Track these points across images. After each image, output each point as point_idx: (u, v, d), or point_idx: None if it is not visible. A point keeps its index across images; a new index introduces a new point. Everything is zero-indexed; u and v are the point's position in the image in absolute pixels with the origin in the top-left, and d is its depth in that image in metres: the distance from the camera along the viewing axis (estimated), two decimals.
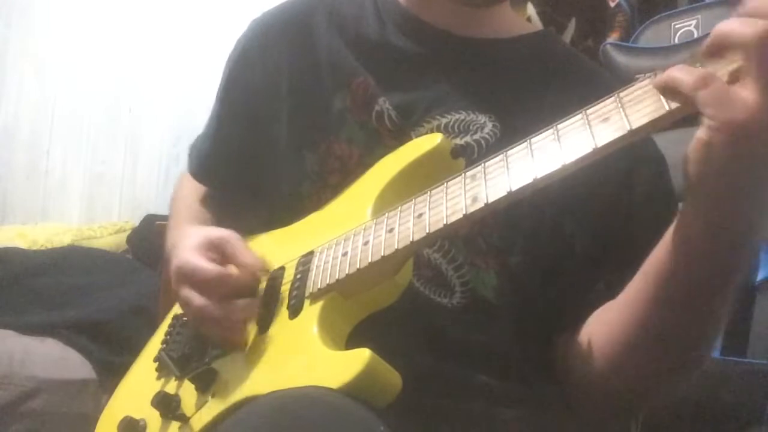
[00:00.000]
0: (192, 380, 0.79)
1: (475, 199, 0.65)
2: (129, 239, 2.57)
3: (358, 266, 0.72)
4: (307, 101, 0.92)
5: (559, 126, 0.63)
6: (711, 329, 0.74)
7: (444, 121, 0.87)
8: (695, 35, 1.48)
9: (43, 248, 2.43)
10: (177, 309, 0.96)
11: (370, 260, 0.71)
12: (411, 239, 0.69)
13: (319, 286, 0.75)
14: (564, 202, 0.81)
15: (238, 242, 0.84)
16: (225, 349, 0.81)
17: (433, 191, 0.71)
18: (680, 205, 0.65)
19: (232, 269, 0.81)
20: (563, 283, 0.83)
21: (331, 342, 0.70)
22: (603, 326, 0.79)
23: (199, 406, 0.78)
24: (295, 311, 0.76)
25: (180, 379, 0.85)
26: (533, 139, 0.64)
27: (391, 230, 0.71)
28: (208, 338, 0.84)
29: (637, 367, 0.77)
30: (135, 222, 2.67)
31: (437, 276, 0.82)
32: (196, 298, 0.79)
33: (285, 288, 0.80)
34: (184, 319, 0.92)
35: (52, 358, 1.84)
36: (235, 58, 1.01)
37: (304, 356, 0.71)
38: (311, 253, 0.80)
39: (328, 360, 0.68)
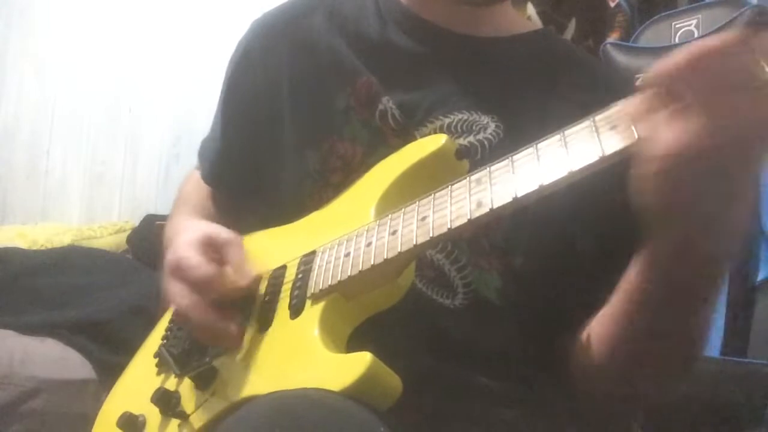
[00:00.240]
0: (192, 378, 0.79)
1: (479, 204, 0.65)
2: (129, 239, 2.57)
3: (360, 268, 0.72)
4: (309, 100, 0.92)
5: (567, 132, 0.62)
6: (691, 337, 0.75)
7: (447, 121, 0.87)
8: (695, 35, 1.48)
9: (43, 248, 2.43)
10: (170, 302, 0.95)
11: (372, 262, 0.71)
12: (414, 242, 0.68)
13: (321, 287, 0.75)
14: (569, 205, 0.80)
15: (238, 248, 0.82)
16: (222, 349, 0.81)
17: (438, 194, 0.70)
18: None
19: (229, 272, 0.81)
20: (567, 285, 0.83)
21: (332, 344, 0.70)
22: (596, 331, 0.80)
23: (199, 404, 0.78)
24: (296, 311, 0.76)
25: (180, 376, 0.84)
26: (540, 145, 0.64)
27: (394, 232, 0.71)
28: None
29: (624, 369, 0.78)
30: (135, 222, 2.66)
31: (440, 277, 0.82)
32: (184, 296, 0.78)
33: (286, 287, 0.80)
34: (175, 313, 0.91)
35: (52, 358, 1.84)
36: (236, 60, 1.01)
37: (305, 358, 0.71)
38: (313, 252, 0.80)
39: (329, 363, 0.68)
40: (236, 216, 1.00)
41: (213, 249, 0.82)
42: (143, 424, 0.84)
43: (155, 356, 0.92)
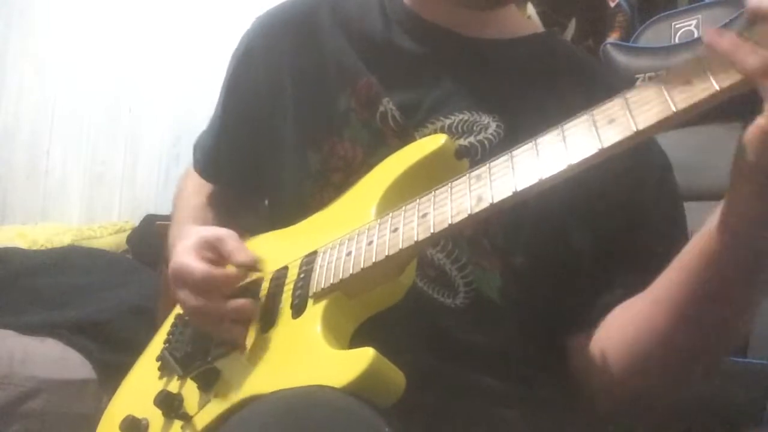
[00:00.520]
0: (194, 379, 0.79)
1: (480, 199, 0.65)
2: (129, 239, 2.57)
3: (362, 266, 0.72)
4: (311, 100, 0.92)
5: (565, 126, 0.63)
6: (744, 322, 0.74)
7: (448, 122, 0.87)
8: (695, 35, 1.48)
9: (43, 248, 2.43)
10: (179, 308, 0.96)
11: (374, 260, 0.71)
12: (415, 239, 0.69)
13: (322, 286, 0.75)
14: (570, 204, 0.81)
15: (233, 240, 0.84)
16: (227, 347, 0.81)
17: (438, 191, 0.71)
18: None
19: (230, 268, 0.81)
20: (568, 285, 0.83)
21: (335, 341, 0.70)
22: (625, 327, 0.78)
23: (202, 406, 0.78)
24: (298, 311, 0.76)
25: (182, 378, 0.85)
26: (539, 140, 0.64)
27: (395, 230, 0.71)
28: (210, 337, 0.84)
29: (665, 364, 0.76)
30: (135, 222, 2.67)
31: (441, 276, 0.82)
32: (191, 299, 0.80)
33: (288, 287, 0.80)
34: (186, 318, 0.92)
35: (52, 358, 1.84)
36: (238, 56, 1.01)
37: (308, 355, 0.71)
38: (315, 252, 0.80)
39: (332, 359, 0.68)
40: (238, 217, 1.00)
41: (209, 249, 0.83)
42: (146, 427, 0.84)
43: (158, 359, 0.92)
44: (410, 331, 0.79)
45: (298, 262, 0.81)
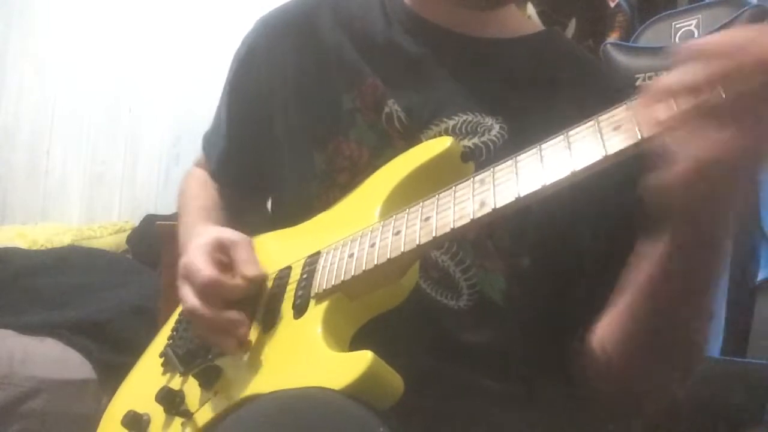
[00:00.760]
0: (196, 376, 0.79)
1: (483, 204, 0.65)
2: (129, 239, 2.57)
3: (364, 268, 0.72)
4: (314, 99, 0.92)
5: (570, 132, 0.63)
6: (697, 329, 0.77)
7: (451, 123, 0.87)
8: (696, 35, 1.48)
9: (43, 248, 2.43)
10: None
11: (376, 262, 0.71)
12: (417, 242, 0.69)
13: (324, 287, 0.75)
14: (574, 206, 0.80)
15: (245, 250, 0.83)
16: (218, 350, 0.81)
17: (441, 195, 0.70)
18: None
19: (236, 276, 0.81)
20: (571, 287, 0.83)
21: (335, 343, 0.70)
22: (607, 332, 0.80)
23: (203, 403, 0.78)
24: (299, 311, 0.76)
25: (184, 375, 0.85)
26: (543, 145, 0.64)
27: (398, 233, 0.71)
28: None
29: (635, 367, 0.78)
30: (135, 222, 2.67)
31: (444, 278, 0.82)
32: (191, 298, 0.80)
33: (291, 287, 0.80)
34: (185, 315, 0.92)
35: (52, 358, 1.84)
36: (240, 57, 1.01)
37: (307, 356, 0.71)
38: (318, 253, 0.80)
39: (331, 361, 0.68)
40: (244, 217, 1.00)
41: (222, 251, 0.83)
42: (147, 422, 0.84)
43: (161, 356, 0.92)
44: (413, 332, 0.79)
45: (302, 262, 0.82)
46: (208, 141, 1.08)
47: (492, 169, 0.67)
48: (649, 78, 1.47)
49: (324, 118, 0.91)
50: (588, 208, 0.81)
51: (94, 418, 0.98)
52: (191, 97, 2.71)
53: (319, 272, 0.77)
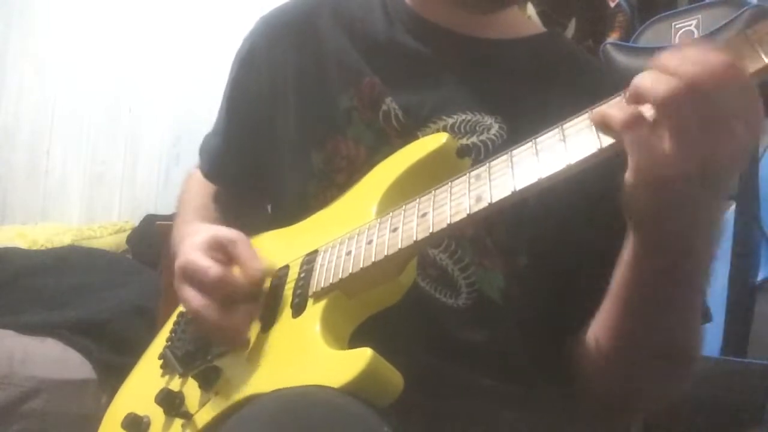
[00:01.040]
0: (195, 378, 0.79)
1: (479, 199, 0.65)
2: (129, 239, 2.58)
3: (361, 265, 0.72)
4: (313, 99, 0.92)
5: (565, 126, 0.63)
6: (683, 333, 0.77)
7: (450, 121, 0.87)
8: (695, 35, 1.48)
9: (43, 248, 2.43)
10: (182, 306, 0.96)
11: (373, 259, 0.71)
12: (414, 239, 0.69)
13: (322, 285, 0.75)
14: (571, 203, 0.81)
15: (245, 245, 0.83)
16: (226, 349, 0.81)
17: (438, 191, 0.71)
18: None
19: (236, 272, 0.81)
20: (571, 284, 0.83)
21: (334, 341, 0.70)
22: (594, 332, 0.80)
23: (202, 404, 0.78)
24: (298, 310, 0.76)
25: (183, 376, 0.85)
26: (538, 139, 0.64)
27: (395, 230, 0.71)
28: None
29: (622, 369, 0.78)
30: (135, 222, 2.67)
31: (443, 276, 0.82)
32: (196, 299, 0.79)
33: (289, 286, 0.80)
34: (189, 316, 0.92)
35: (52, 358, 1.84)
36: (241, 57, 1.01)
37: (307, 355, 0.71)
38: (315, 251, 0.80)
39: (330, 359, 0.68)
40: (242, 216, 1.00)
41: (219, 249, 0.82)
42: (148, 425, 0.84)
43: (159, 358, 0.92)
44: (411, 330, 0.79)
45: (300, 261, 0.81)
46: (205, 141, 1.09)
47: (488, 164, 0.67)
48: None
49: (322, 118, 0.91)
50: (582, 202, 0.81)
51: (94, 418, 0.98)
52: (191, 97, 2.71)
53: (317, 270, 0.77)
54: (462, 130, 0.86)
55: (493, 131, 0.85)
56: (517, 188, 0.63)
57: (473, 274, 0.82)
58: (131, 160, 2.89)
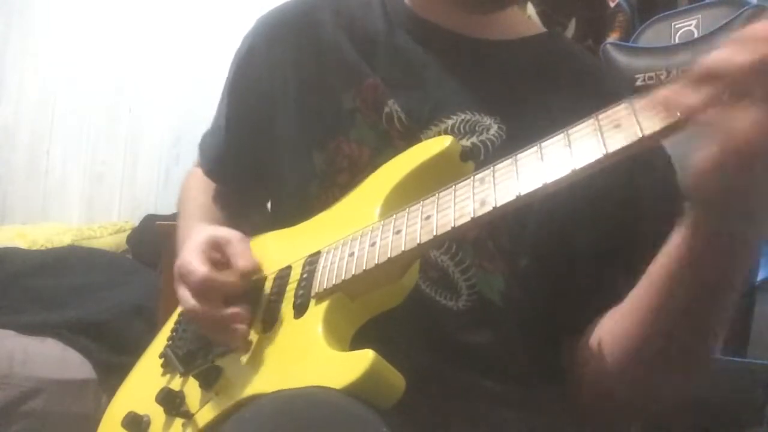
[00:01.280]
0: (196, 377, 0.80)
1: (483, 203, 0.65)
2: (129, 239, 2.58)
3: (364, 267, 0.72)
4: (315, 99, 0.92)
5: (570, 131, 0.62)
6: (714, 333, 0.75)
7: (450, 122, 0.87)
8: (695, 35, 1.48)
9: (43, 248, 2.44)
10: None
11: (376, 261, 0.71)
12: (418, 241, 0.68)
13: (324, 286, 0.75)
14: (573, 206, 0.80)
15: (239, 244, 0.84)
16: (227, 349, 0.81)
17: (442, 194, 0.70)
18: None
19: (233, 272, 0.81)
20: (572, 287, 0.83)
21: (335, 342, 0.70)
22: (610, 332, 0.79)
23: (203, 404, 0.78)
24: (300, 311, 0.76)
25: (184, 375, 0.85)
26: (543, 144, 0.64)
27: (398, 232, 0.71)
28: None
29: (642, 372, 0.77)
30: (135, 222, 2.67)
31: (443, 278, 0.82)
32: (189, 300, 0.80)
33: (291, 287, 0.80)
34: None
35: (52, 358, 1.85)
36: (241, 56, 1.01)
37: (308, 356, 0.71)
38: (318, 252, 0.80)
39: (332, 360, 0.68)
40: (243, 217, 1.00)
41: (216, 249, 0.83)
42: (148, 423, 0.84)
43: (160, 357, 0.92)
44: (412, 332, 0.79)
45: (302, 261, 0.81)
46: (204, 139, 1.09)
47: (492, 168, 0.67)
48: (649, 78, 1.47)
49: (324, 118, 0.91)
50: (585, 206, 0.81)
51: (94, 418, 0.98)
52: (191, 97, 2.71)
53: (320, 272, 0.77)
54: (462, 130, 0.86)
55: (492, 131, 0.85)
56: (522, 193, 0.63)
57: (474, 276, 0.82)
58: (131, 160, 2.89)
